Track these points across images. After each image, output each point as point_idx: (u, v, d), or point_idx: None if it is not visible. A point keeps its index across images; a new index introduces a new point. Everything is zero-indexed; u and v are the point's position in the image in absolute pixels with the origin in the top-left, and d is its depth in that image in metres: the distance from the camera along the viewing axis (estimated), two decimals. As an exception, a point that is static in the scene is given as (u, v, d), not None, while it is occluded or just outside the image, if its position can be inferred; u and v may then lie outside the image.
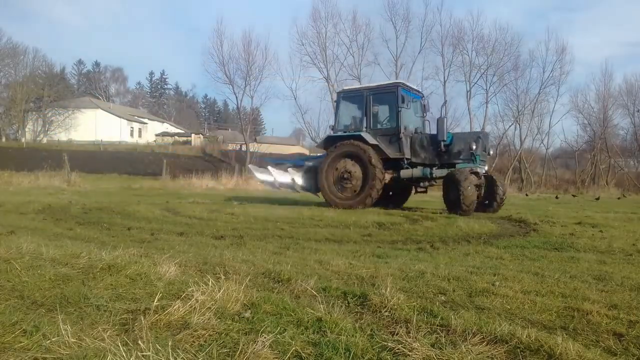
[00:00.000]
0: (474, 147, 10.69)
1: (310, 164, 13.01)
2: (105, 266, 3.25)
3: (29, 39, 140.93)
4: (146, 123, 69.71)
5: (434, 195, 14.96)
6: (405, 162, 11.33)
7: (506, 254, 5.24)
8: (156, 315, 2.35)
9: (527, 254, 5.29)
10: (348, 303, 2.86)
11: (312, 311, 2.50)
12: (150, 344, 1.92)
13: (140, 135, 65.65)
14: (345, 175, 11.54)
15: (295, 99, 41.73)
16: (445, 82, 40.07)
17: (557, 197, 21.18)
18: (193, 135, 65.34)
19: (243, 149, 47.88)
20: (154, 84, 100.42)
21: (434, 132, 11.58)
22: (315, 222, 8.27)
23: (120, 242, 5.47)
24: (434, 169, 11.07)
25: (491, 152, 12.00)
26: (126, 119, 64.66)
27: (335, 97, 38.74)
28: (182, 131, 72.63)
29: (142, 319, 2.31)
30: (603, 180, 37.92)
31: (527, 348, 2.18)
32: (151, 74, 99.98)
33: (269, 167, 13.21)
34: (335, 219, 8.53)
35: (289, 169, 13.16)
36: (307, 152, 60.51)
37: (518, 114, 40.25)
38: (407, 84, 12.36)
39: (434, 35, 39.31)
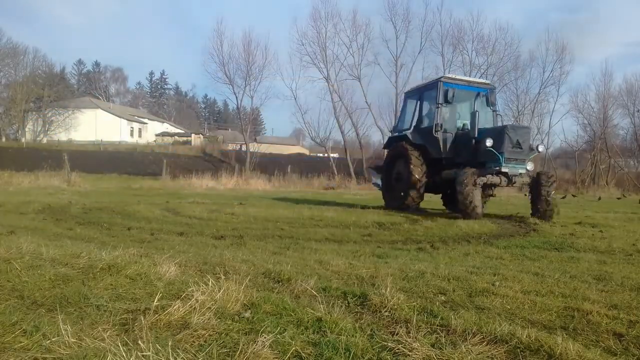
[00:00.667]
0: (489, 144, 9.38)
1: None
2: (105, 266, 3.24)
3: (29, 39, 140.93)
4: (146, 123, 69.69)
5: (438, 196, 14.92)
6: (444, 162, 10.56)
7: (506, 254, 5.24)
8: (156, 315, 2.35)
9: (527, 254, 5.29)
10: (348, 303, 2.86)
11: (312, 311, 2.50)
12: (150, 344, 1.92)
13: (140, 135, 65.63)
14: (396, 177, 11.34)
15: (295, 99, 41.86)
16: (445, 82, 39.94)
17: (563, 197, 21.01)
18: (193, 135, 65.34)
19: (243, 149, 47.85)
20: (154, 84, 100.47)
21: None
22: (315, 222, 8.27)
23: (120, 242, 5.47)
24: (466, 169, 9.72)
25: (540, 149, 10.01)
26: (126, 119, 64.64)
27: (335, 97, 38.95)
28: (182, 131, 72.63)
29: (142, 319, 2.31)
30: (603, 180, 37.90)
31: (527, 348, 2.18)
32: (151, 74, 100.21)
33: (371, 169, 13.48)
34: (335, 219, 8.53)
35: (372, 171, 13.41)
36: (307, 152, 60.48)
37: (518, 114, 40.25)
38: (459, 76, 11.33)
39: (434, 35, 39.35)
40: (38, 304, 2.59)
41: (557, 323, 2.65)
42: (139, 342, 1.98)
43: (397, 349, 2.11)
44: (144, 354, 1.87)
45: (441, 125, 10.57)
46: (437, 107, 10.57)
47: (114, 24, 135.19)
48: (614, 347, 2.32)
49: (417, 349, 2.09)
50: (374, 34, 40.12)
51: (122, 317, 2.38)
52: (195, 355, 1.95)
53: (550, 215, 9.44)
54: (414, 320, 2.47)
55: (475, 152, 9.93)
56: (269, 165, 36.51)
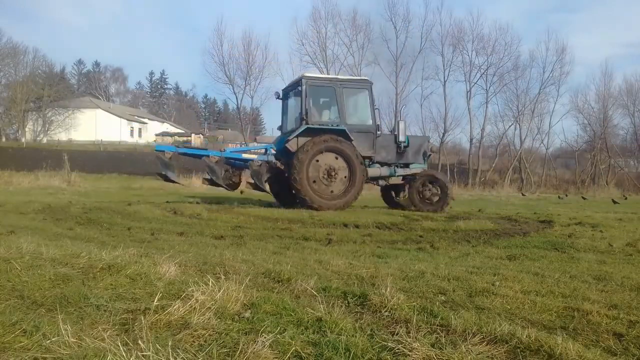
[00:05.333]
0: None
1: None
2: (105, 266, 3.24)
3: (29, 39, 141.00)
4: (146, 123, 69.66)
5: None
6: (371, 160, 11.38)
7: (506, 254, 5.23)
8: (156, 315, 2.35)
9: (527, 254, 5.28)
10: (348, 303, 2.86)
11: (312, 311, 2.50)
12: (150, 344, 1.92)
13: (140, 135, 65.60)
14: (326, 173, 11.03)
15: (295, 98, 41.57)
16: (445, 82, 40.16)
17: (561, 197, 20.89)
18: (193, 135, 65.26)
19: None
20: (154, 84, 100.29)
21: None
22: (315, 222, 8.26)
23: (120, 242, 5.46)
24: None
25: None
26: (126, 119, 64.61)
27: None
28: (182, 131, 72.54)
29: (142, 318, 2.31)
30: (603, 180, 37.90)
31: (527, 348, 2.18)
32: (151, 74, 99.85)
33: None
34: (335, 219, 8.52)
35: None
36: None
37: (518, 114, 40.30)
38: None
39: (434, 35, 39.43)
40: (38, 304, 2.59)
41: (557, 323, 2.65)
42: (139, 342, 1.98)
43: (397, 349, 2.11)
44: (144, 353, 1.87)
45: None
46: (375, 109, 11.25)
47: (114, 24, 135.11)
48: (614, 347, 2.33)
49: (417, 349, 2.09)
50: (374, 34, 40.06)
51: (122, 317, 2.38)
52: (195, 355, 1.95)
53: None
54: (414, 320, 2.47)
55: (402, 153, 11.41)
56: (269, 165, 36.40)
